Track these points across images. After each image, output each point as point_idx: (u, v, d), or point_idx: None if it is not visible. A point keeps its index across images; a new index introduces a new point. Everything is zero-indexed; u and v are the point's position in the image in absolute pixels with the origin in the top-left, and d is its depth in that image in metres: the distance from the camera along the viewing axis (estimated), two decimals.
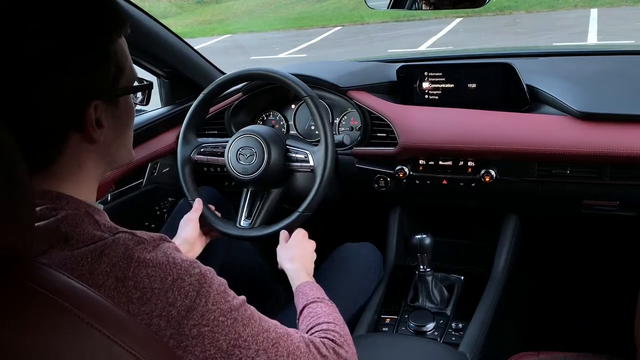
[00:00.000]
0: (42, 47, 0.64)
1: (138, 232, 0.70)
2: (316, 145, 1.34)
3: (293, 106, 1.60)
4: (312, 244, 1.20)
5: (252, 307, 0.77)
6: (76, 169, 0.72)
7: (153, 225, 1.57)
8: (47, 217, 0.68)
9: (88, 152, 0.72)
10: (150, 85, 0.84)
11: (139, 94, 0.88)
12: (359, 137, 1.45)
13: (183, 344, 0.66)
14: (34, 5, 0.65)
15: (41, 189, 0.69)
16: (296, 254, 1.15)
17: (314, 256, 1.18)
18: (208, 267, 0.73)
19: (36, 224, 0.65)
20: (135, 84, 0.79)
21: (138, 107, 1.13)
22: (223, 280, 0.74)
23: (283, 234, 1.24)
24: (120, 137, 0.76)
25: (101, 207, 0.75)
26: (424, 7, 1.42)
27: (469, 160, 1.32)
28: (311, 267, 1.16)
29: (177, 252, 0.70)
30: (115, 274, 0.65)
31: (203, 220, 1.31)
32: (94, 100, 0.68)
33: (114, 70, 0.71)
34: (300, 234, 1.21)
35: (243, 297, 0.76)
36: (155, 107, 1.69)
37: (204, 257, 1.32)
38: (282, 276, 1.70)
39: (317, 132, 1.31)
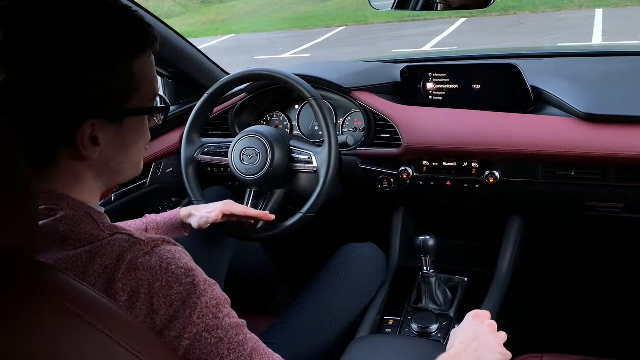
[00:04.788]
0: (40, 62, 0.63)
1: (136, 233, 0.69)
2: (320, 146, 1.34)
3: (297, 107, 1.60)
4: (493, 339, 0.89)
5: (251, 336, 0.71)
6: (72, 179, 0.71)
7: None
8: (46, 217, 0.68)
9: (83, 166, 0.70)
10: (164, 109, 0.79)
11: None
12: (363, 138, 1.45)
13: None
14: (39, 19, 0.64)
15: (42, 189, 0.69)
16: (468, 338, 0.89)
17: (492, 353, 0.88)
18: (209, 280, 0.69)
19: None
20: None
21: None
22: (223, 297, 0.70)
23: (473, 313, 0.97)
24: (124, 155, 0.74)
25: (102, 209, 0.75)
26: (439, 8, 1.41)
27: (473, 162, 1.32)
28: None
29: (177, 256, 0.68)
30: (107, 275, 0.64)
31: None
32: (89, 120, 0.66)
33: (124, 90, 0.69)
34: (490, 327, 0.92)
35: (242, 321, 0.71)
36: None
37: (213, 257, 1.32)
38: (287, 276, 1.72)
39: (320, 132, 1.31)
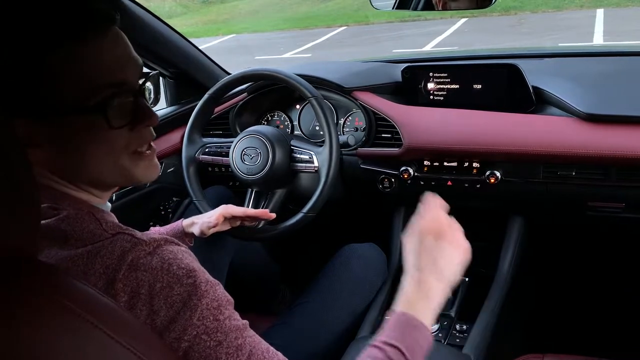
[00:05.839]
0: None
1: (138, 233, 0.68)
2: (321, 145, 1.34)
3: (298, 106, 1.60)
4: (458, 248, 0.80)
5: (251, 340, 0.68)
6: (50, 180, 0.68)
7: (158, 226, 1.58)
8: (49, 216, 0.67)
9: (41, 169, 0.67)
10: (95, 109, 0.64)
11: (151, 94, 0.76)
12: (364, 138, 1.45)
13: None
14: None
15: (46, 188, 0.69)
16: (427, 259, 0.78)
17: (457, 268, 0.79)
18: (211, 280, 0.67)
19: None
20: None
21: None
22: (225, 298, 0.68)
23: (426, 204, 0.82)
24: (86, 158, 0.67)
25: (108, 207, 0.74)
26: (437, 8, 1.41)
27: (474, 162, 1.32)
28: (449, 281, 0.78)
29: (179, 256, 0.66)
30: (107, 275, 0.63)
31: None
32: (14, 118, 0.61)
33: (47, 84, 0.62)
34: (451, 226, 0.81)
35: (245, 323, 0.70)
36: (160, 107, 1.69)
37: (213, 257, 1.32)
38: (288, 276, 1.72)
39: (321, 132, 1.32)
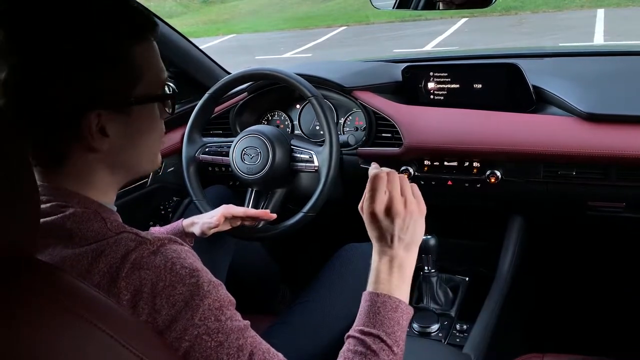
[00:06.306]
0: (39, 57, 0.63)
1: (143, 233, 0.68)
2: (321, 145, 1.34)
3: (298, 106, 1.60)
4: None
5: (252, 340, 0.69)
6: (85, 175, 0.71)
7: (158, 225, 1.58)
8: (55, 214, 0.67)
9: (96, 160, 0.70)
10: (170, 95, 0.77)
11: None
12: (364, 138, 1.44)
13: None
14: (37, 15, 0.63)
15: (54, 186, 0.69)
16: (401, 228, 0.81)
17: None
18: (214, 280, 0.68)
19: (44, 220, 0.66)
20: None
21: None
22: (227, 299, 0.68)
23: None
24: (135, 146, 0.73)
25: (114, 208, 0.75)
26: (441, 7, 1.41)
27: (475, 161, 1.32)
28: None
29: (182, 256, 0.67)
30: (111, 274, 0.63)
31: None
32: (93, 110, 0.66)
33: (126, 78, 0.68)
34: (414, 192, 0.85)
35: (246, 323, 0.70)
36: None
37: (213, 257, 1.32)
38: (288, 276, 1.72)
39: (321, 132, 1.32)
